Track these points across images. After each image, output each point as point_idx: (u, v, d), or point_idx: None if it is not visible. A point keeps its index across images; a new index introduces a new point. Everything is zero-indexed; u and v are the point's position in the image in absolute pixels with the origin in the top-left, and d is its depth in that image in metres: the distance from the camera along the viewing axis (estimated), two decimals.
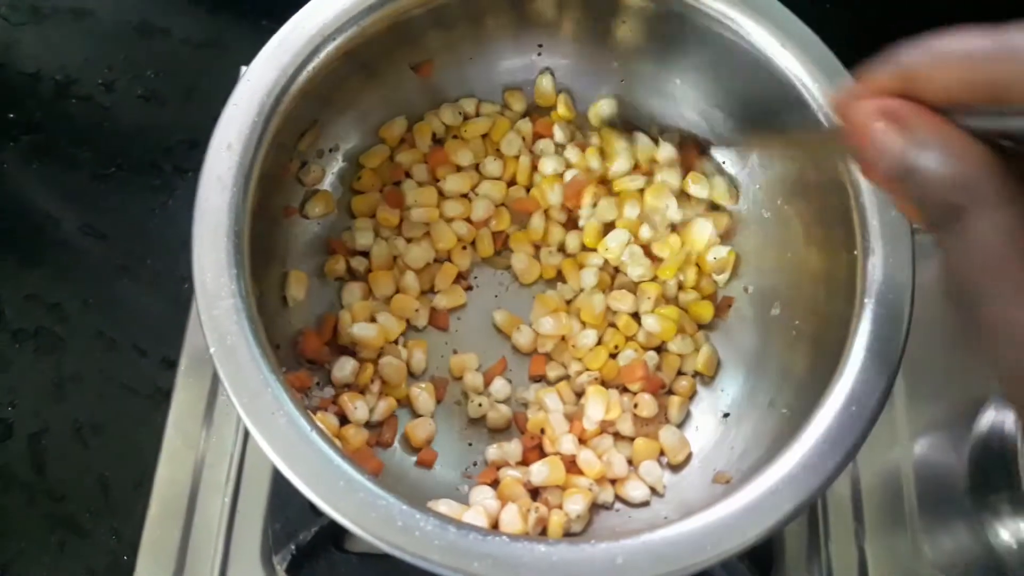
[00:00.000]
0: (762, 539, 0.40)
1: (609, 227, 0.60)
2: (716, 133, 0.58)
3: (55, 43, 0.75)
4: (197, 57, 0.75)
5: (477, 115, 0.62)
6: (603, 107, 0.61)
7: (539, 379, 0.58)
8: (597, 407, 0.54)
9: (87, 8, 0.77)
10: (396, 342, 0.57)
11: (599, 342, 0.58)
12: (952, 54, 0.27)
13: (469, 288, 0.60)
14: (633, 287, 0.59)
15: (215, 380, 0.60)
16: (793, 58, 0.50)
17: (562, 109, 0.62)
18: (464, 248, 0.60)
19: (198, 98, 0.73)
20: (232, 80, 0.60)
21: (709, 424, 0.56)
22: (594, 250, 0.60)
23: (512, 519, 0.49)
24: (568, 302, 0.60)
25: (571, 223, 0.61)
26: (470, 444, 0.56)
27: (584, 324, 0.59)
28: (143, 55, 0.75)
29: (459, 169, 0.61)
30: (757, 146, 0.58)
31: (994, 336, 0.26)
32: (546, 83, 0.62)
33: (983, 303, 0.26)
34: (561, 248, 0.61)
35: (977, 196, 0.26)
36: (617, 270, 0.60)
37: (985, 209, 0.25)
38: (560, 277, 0.61)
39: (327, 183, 0.58)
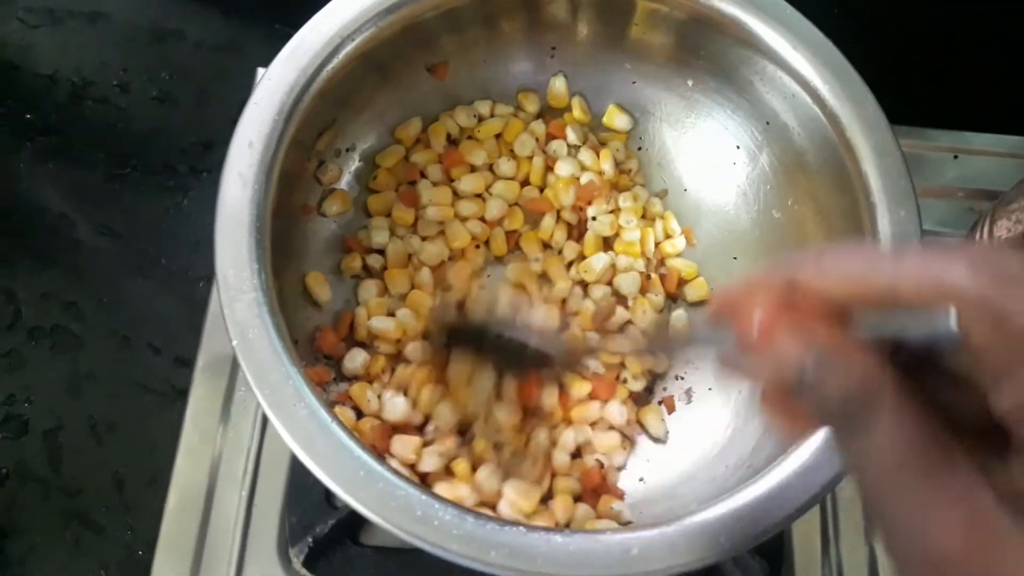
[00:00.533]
0: (775, 532, 0.41)
1: (608, 241, 0.62)
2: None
3: (71, 46, 0.76)
4: (211, 60, 0.76)
5: (492, 116, 0.63)
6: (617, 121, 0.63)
7: None
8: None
9: (103, 11, 0.78)
10: None
11: None
12: (837, 264, 0.28)
13: (482, 287, 0.61)
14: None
15: (232, 377, 0.60)
16: (805, 61, 0.51)
17: (577, 112, 0.63)
18: (478, 247, 0.61)
19: (212, 100, 0.74)
20: (245, 82, 0.62)
21: (722, 420, 0.56)
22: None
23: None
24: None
25: (582, 226, 0.62)
26: None
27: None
28: (158, 58, 0.76)
29: (473, 169, 0.62)
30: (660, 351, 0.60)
31: (891, 538, 0.26)
32: (559, 85, 0.62)
33: (882, 508, 0.26)
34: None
35: (872, 404, 0.26)
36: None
37: (881, 417, 0.25)
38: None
39: (344, 182, 0.59)
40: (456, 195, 0.61)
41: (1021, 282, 0.24)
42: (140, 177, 0.71)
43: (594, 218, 0.61)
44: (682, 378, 0.59)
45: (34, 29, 0.77)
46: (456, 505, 0.40)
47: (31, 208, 0.70)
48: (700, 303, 0.61)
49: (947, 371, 0.27)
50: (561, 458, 0.54)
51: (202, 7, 0.78)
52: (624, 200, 0.62)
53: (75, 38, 0.77)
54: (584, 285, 0.60)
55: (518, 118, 0.63)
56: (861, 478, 0.26)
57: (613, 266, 0.60)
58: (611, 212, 0.61)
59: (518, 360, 0.48)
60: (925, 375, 0.27)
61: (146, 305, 0.66)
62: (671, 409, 0.57)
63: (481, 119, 0.63)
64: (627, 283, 0.59)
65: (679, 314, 0.60)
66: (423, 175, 0.61)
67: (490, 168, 0.62)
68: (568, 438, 0.55)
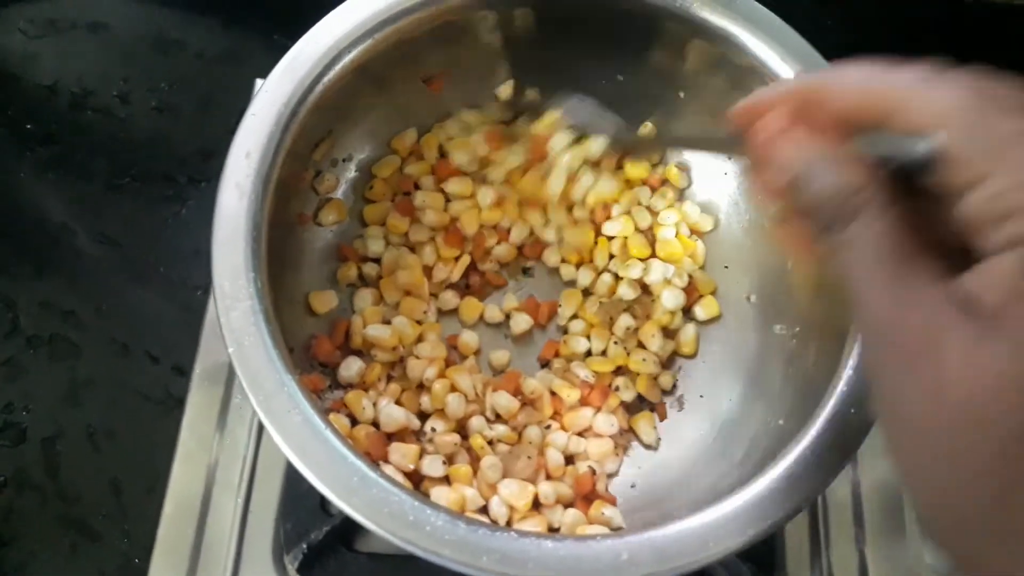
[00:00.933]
0: (763, 536, 0.41)
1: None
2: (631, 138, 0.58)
3: (72, 56, 0.77)
4: (210, 70, 0.77)
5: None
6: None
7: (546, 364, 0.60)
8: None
9: (103, 22, 0.78)
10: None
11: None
12: (847, 80, 0.31)
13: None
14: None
15: (229, 385, 0.61)
16: (793, 73, 0.52)
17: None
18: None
19: (211, 110, 0.75)
20: (244, 92, 0.62)
21: (713, 428, 0.57)
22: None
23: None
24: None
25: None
26: None
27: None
28: (158, 68, 0.77)
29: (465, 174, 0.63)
30: (669, 144, 0.63)
31: (862, 319, 0.29)
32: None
33: (857, 295, 0.29)
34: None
35: (860, 203, 0.29)
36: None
37: (866, 216, 0.29)
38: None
39: (340, 192, 0.60)
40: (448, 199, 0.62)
41: (1003, 98, 0.28)
42: (140, 187, 0.72)
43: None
44: (674, 386, 0.59)
45: (35, 40, 0.77)
46: (448, 511, 0.40)
47: (31, 217, 0.70)
48: (711, 321, 0.61)
49: (927, 191, 0.29)
50: (554, 456, 0.54)
51: (202, 18, 0.79)
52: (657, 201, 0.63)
53: (76, 48, 0.77)
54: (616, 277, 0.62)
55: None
56: (843, 271, 0.29)
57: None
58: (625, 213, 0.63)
59: None
60: (907, 192, 0.30)
61: (145, 314, 0.67)
62: (663, 416, 0.58)
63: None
64: (669, 298, 0.60)
65: (689, 329, 0.60)
66: (417, 186, 0.62)
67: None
68: (560, 438, 0.55)
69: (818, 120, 0.32)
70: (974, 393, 0.25)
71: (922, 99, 0.29)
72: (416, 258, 0.60)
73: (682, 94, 0.60)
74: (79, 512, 0.60)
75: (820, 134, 0.32)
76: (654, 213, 0.62)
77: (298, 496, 0.56)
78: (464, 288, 0.62)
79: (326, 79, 0.51)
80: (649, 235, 0.63)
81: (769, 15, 0.53)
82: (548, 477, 0.54)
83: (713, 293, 0.61)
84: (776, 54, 0.52)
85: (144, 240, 0.69)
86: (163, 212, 0.71)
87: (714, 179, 0.62)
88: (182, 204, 0.71)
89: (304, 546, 0.54)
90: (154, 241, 0.69)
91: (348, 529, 0.55)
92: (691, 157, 0.64)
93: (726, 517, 0.41)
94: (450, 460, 0.53)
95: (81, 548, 0.59)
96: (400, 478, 0.50)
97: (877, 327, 0.28)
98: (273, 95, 0.49)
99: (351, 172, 0.60)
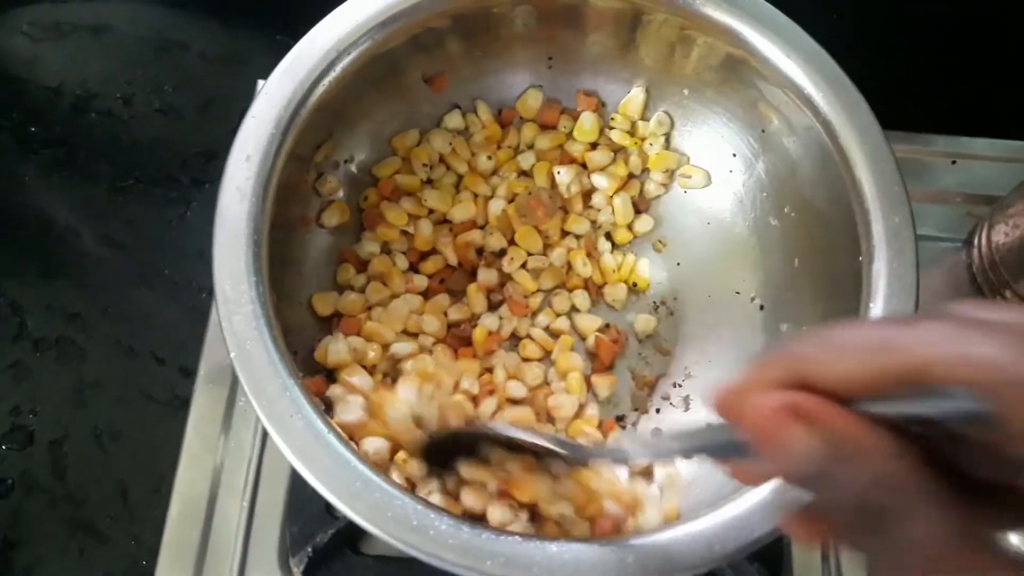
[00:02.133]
0: (769, 539, 0.41)
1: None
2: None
3: (76, 58, 0.77)
4: (214, 71, 0.77)
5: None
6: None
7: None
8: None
9: (107, 24, 0.78)
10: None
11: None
12: (854, 342, 0.25)
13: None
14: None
15: (234, 387, 0.61)
16: (798, 69, 0.51)
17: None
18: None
19: (215, 111, 0.75)
20: (248, 94, 0.62)
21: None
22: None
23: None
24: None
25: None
26: None
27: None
28: (161, 70, 0.77)
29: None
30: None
31: None
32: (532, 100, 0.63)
33: None
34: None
35: (903, 496, 0.24)
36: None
37: (915, 509, 0.24)
38: None
39: (342, 194, 0.60)
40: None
41: None
42: (144, 188, 0.72)
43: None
44: (680, 386, 0.59)
45: (39, 42, 0.78)
46: (452, 515, 0.40)
47: (36, 220, 0.70)
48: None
49: (963, 440, 0.24)
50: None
51: (205, 19, 0.79)
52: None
53: (80, 51, 0.77)
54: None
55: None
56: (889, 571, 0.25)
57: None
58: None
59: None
60: (935, 442, 0.25)
61: (150, 315, 0.67)
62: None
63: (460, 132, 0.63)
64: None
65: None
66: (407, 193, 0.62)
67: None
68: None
69: (819, 389, 0.25)
70: None
71: (960, 354, 0.23)
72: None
73: (686, 91, 0.60)
74: (86, 514, 0.60)
75: (835, 408, 0.25)
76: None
77: (303, 499, 0.56)
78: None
79: (326, 80, 0.50)
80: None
81: (773, 11, 0.52)
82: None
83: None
84: (780, 50, 0.51)
85: (148, 242, 0.70)
86: (167, 214, 0.71)
87: (720, 176, 0.62)
88: (186, 206, 0.71)
89: (309, 549, 0.54)
90: (158, 243, 0.70)
91: (353, 532, 0.55)
92: (692, 152, 0.63)
93: (732, 520, 0.41)
94: None
95: (88, 550, 0.59)
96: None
97: None
98: (273, 97, 0.49)
99: (353, 173, 0.60)
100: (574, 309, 0.61)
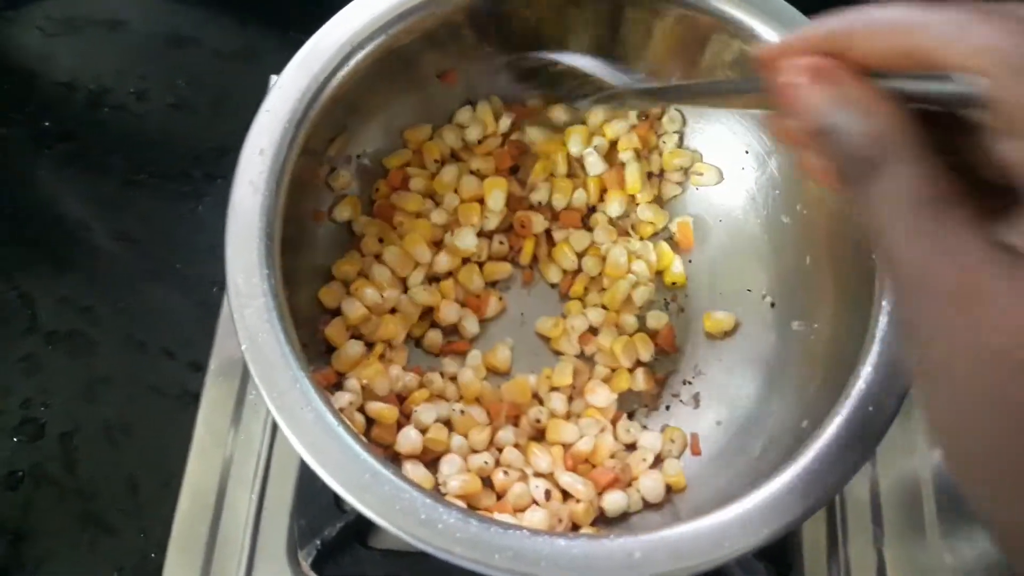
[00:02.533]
0: (778, 536, 0.41)
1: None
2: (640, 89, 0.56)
3: (89, 53, 0.77)
4: (226, 67, 0.77)
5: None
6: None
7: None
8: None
9: (120, 19, 0.79)
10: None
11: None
12: (880, 21, 0.29)
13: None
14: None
15: (244, 380, 0.61)
16: None
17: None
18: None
19: (227, 106, 0.75)
20: (260, 89, 0.62)
21: (729, 427, 0.56)
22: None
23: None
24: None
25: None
26: None
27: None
28: (174, 65, 0.77)
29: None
30: (683, 100, 0.61)
31: (895, 273, 0.28)
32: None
33: (889, 248, 0.27)
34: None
35: (891, 150, 0.27)
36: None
37: (898, 163, 0.27)
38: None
39: (355, 188, 0.60)
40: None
41: None
42: (156, 183, 0.72)
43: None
44: (690, 383, 0.59)
45: (53, 37, 0.78)
46: (461, 509, 0.40)
47: (49, 214, 0.71)
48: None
49: (964, 126, 0.28)
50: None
51: (218, 14, 0.79)
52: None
53: (93, 46, 0.78)
54: None
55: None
56: (873, 221, 0.28)
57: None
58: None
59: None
60: (942, 128, 0.28)
61: (161, 310, 0.67)
62: (696, 451, 0.57)
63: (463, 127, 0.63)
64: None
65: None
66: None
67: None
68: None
69: (848, 63, 0.30)
70: (1015, 339, 0.24)
71: (963, 39, 0.26)
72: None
73: None
74: (96, 507, 0.60)
75: (849, 77, 0.29)
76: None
77: (313, 492, 0.56)
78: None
79: (340, 74, 0.51)
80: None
81: (788, 7, 0.52)
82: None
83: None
84: None
85: (161, 236, 0.70)
86: (179, 208, 0.71)
87: (732, 173, 0.62)
88: (198, 200, 0.71)
89: (318, 542, 0.54)
90: (170, 237, 0.70)
91: (362, 526, 0.55)
92: (707, 151, 0.63)
93: (741, 516, 0.41)
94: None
95: (98, 543, 0.59)
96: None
97: (913, 278, 0.27)
98: (287, 91, 0.49)
99: (365, 167, 0.60)
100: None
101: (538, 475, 0.53)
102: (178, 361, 0.65)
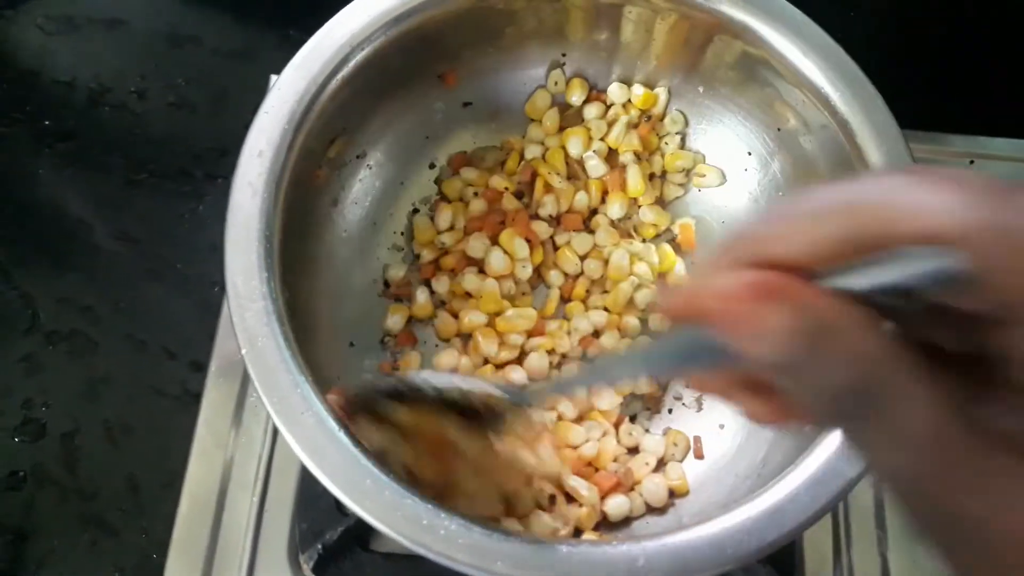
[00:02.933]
0: (782, 543, 0.40)
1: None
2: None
3: (89, 52, 0.77)
4: (226, 66, 0.77)
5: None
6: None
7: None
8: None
9: (120, 18, 0.78)
10: None
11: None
12: (813, 208, 0.23)
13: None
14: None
15: (245, 382, 0.61)
16: (815, 67, 0.51)
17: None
18: None
19: (227, 106, 0.75)
20: (260, 88, 0.62)
21: (732, 429, 0.56)
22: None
23: None
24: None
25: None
26: None
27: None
28: (174, 64, 0.77)
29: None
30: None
31: (948, 528, 0.22)
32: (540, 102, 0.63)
33: (928, 498, 0.22)
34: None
35: (890, 378, 0.22)
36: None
37: (902, 392, 0.22)
38: None
39: (356, 190, 0.59)
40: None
41: (1016, 198, 0.20)
42: (157, 183, 0.72)
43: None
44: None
45: (53, 36, 0.78)
46: (462, 515, 0.40)
47: (49, 213, 0.71)
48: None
49: (938, 311, 0.22)
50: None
51: (218, 13, 0.79)
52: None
53: (93, 45, 0.77)
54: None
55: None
56: (896, 465, 0.23)
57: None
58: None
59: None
60: (910, 317, 0.23)
61: (162, 310, 0.67)
62: (699, 455, 0.56)
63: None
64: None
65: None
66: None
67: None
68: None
69: (782, 266, 0.23)
70: None
71: (924, 205, 0.21)
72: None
73: (701, 88, 0.59)
74: (97, 507, 0.60)
75: (807, 289, 0.22)
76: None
77: (314, 496, 0.55)
78: None
79: (340, 76, 0.50)
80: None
81: (790, 8, 0.52)
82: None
83: None
84: (797, 48, 0.51)
85: (161, 236, 0.70)
86: (180, 208, 0.71)
87: (735, 174, 0.62)
88: (199, 200, 0.71)
89: (319, 546, 0.54)
90: (171, 237, 0.70)
91: (363, 529, 0.54)
92: (709, 152, 0.63)
93: (745, 523, 0.41)
94: None
95: (100, 543, 0.59)
96: None
97: (966, 529, 0.22)
98: (286, 92, 0.49)
99: (366, 169, 0.60)
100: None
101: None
102: (179, 361, 0.65)
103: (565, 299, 0.61)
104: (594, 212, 0.63)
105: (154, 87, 0.75)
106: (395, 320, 0.59)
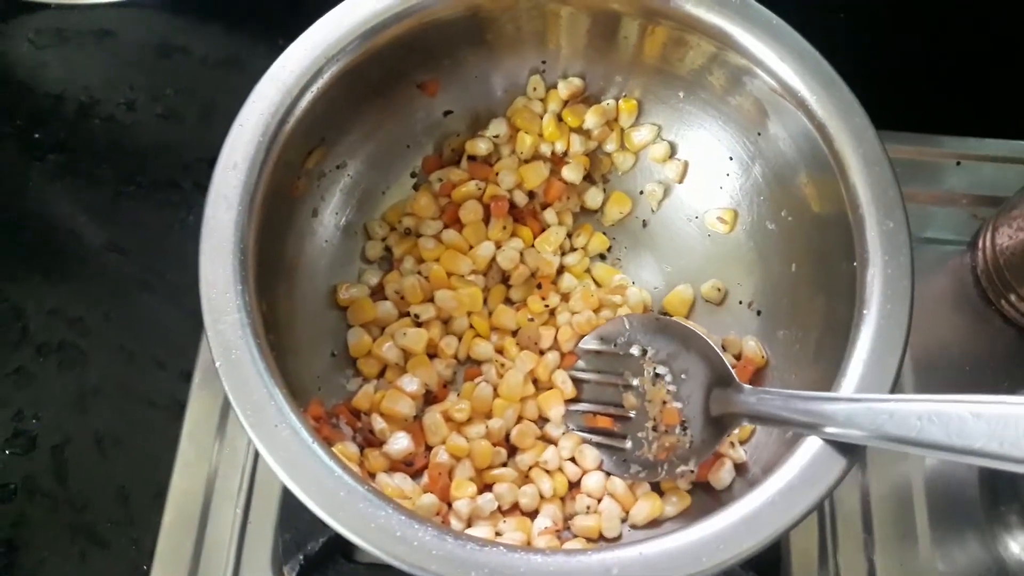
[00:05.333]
0: (758, 551, 0.40)
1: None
2: None
3: (78, 65, 0.78)
4: (215, 76, 0.77)
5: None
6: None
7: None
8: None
9: (108, 30, 0.79)
10: None
11: None
12: None
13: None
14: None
15: None
16: (791, 71, 0.50)
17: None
18: None
19: (216, 116, 0.75)
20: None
21: None
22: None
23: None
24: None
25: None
26: None
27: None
28: (163, 75, 0.77)
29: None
30: None
31: None
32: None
33: None
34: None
35: None
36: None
37: None
38: None
39: (335, 201, 0.59)
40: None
41: None
42: (146, 193, 0.72)
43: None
44: None
45: (43, 49, 0.78)
46: (436, 526, 0.40)
47: (39, 225, 0.71)
48: None
49: None
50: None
51: (206, 24, 0.79)
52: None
53: (83, 57, 0.78)
54: None
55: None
56: None
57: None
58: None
59: None
60: None
61: (152, 320, 0.67)
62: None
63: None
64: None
65: None
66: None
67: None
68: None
69: None
70: None
71: None
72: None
73: (681, 94, 0.59)
74: (88, 519, 0.61)
75: None
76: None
77: (297, 506, 0.54)
78: None
79: (316, 87, 0.50)
80: None
81: (765, 12, 0.52)
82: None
83: None
84: (774, 52, 0.51)
85: (151, 247, 0.70)
86: (169, 218, 0.71)
87: (716, 180, 0.61)
88: (188, 210, 0.71)
89: (302, 556, 0.54)
90: (160, 247, 0.70)
91: (346, 540, 0.54)
92: (691, 156, 0.62)
93: (721, 531, 0.40)
94: None
95: (89, 554, 0.60)
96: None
97: None
98: (260, 104, 0.49)
99: (345, 179, 0.60)
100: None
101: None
102: (168, 371, 0.65)
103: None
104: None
105: (143, 98, 0.76)
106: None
